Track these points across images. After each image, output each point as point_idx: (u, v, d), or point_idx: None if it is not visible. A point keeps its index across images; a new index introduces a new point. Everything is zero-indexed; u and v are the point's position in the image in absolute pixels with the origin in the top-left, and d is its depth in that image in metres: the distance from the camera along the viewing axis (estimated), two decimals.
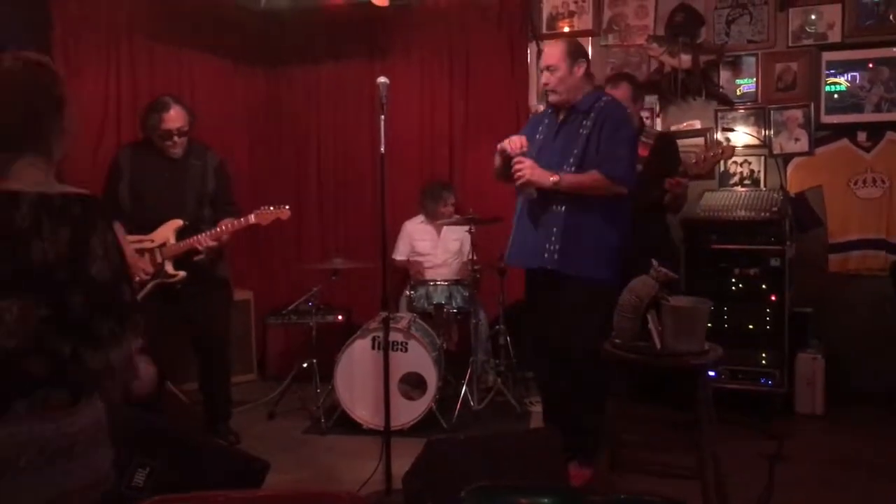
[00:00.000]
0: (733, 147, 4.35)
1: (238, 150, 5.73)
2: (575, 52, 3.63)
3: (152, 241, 4.04)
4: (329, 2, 5.15)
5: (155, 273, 4.03)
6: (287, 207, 4.26)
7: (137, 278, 3.92)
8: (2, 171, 1.64)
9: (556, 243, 3.49)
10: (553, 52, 3.65)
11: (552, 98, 3.65)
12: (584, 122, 3.56)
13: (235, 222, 4.10)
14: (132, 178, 4.07)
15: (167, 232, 4.04)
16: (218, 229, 4.07)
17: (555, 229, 3.50)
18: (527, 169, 3.46)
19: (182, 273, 4.05)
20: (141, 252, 4.03)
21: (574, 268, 3.46)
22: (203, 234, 4.04)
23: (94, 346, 1.65)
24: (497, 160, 3.71)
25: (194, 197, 4.14)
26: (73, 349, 1.62)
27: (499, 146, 3.63)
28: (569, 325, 3.47)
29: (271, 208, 4.20)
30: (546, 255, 3.50)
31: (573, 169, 3.51)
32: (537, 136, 3.71)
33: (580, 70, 3.62)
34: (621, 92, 4.38)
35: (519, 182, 3.50)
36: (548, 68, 3.61)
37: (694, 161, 4.15)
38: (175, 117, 4.02)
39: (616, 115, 3.61)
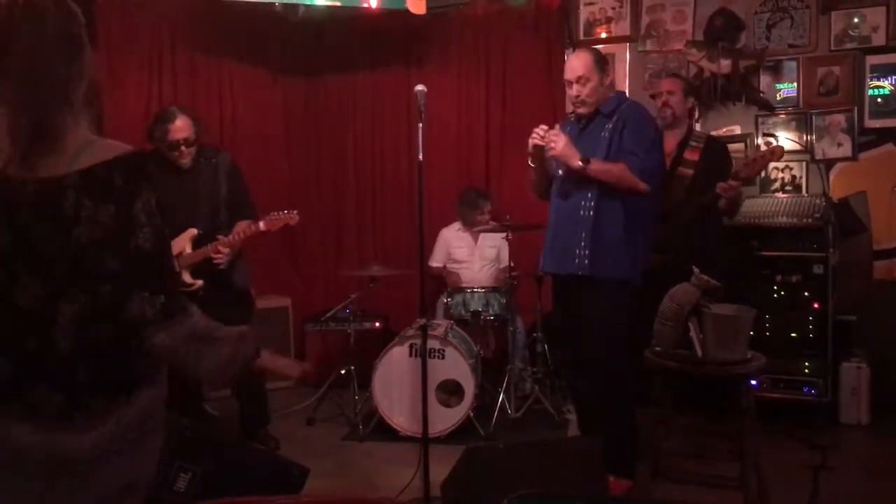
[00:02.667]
0: (782, 148, 4.28)
1: (277, 158, 5.80)
2: (602, 61, 3.61)
3: None
4: (366, 11, 5.19)
5: None
6: (295, 212, 4.15)
7: None
8: (43, 140, 1.49)
9: (586, 248, 3.46)
10: (582, 63, 3.57)
11: (582, 110, 3.59)
12: (607, 126, 3.54)
13: (247, 229, 4.04)
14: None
15: (182, 242, 4.00)
16: (232, 237, 4.01)
17: (584, 234, 3.48)
18: (560, 142, 3.44)
19: (199, 282, 4.00)
20: None
21: (603, 271, 3.43)
22: (217, 243, 3.99)
23: (150, 327, 1.54)
24: (530, 149, 3.65)
25: (207, 203, 4.08)
26: (120, 339, 1.53)
27: (530, 143, 3.61)
28: (598, 329, 3.44)
29: (280, 214, 4.11)
30: (577, 261, 3.48)
31: None
32: None
33: (608, 79, 3.61)
34: (671, 84, 4.36)
35: (550, 153, 3.50)
36: (578, 80, 3.54)
37: (743, 164, 4.11)
38: (181, 127, 3.95)
39: (638, 115, 3.58)
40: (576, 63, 3.61)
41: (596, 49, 3.91)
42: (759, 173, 4.41)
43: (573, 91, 3.57)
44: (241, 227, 4.06)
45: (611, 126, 3.52)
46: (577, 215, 3.50)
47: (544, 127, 3.51)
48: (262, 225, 4.06)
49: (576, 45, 5.44)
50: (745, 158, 4.29)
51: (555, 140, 3.45)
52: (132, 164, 1.56)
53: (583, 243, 3.47)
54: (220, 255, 3.98)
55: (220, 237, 4.01)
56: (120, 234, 1.51)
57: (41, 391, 1.49)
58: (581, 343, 3.54)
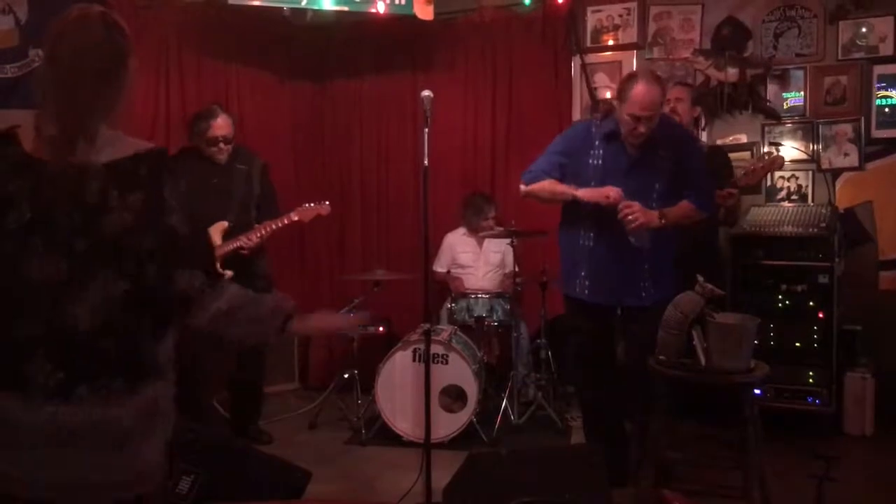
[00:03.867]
0: (783, 157, 4.28)
1: (283, 162, 5.80)
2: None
3: None
4: (374, 16, 5.20)
5: None
6: (327, 203, 4.38)
7: None
8: (77, 134, 1.60)
9: (649, 279, 3.45)
10: (655, 99, 3.35)
11: (638, 142, 3.42)
12: (659, 153, 3.44)
13: (278, 220, 4.23)
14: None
15: (213, 234, 4.16)
16: (265, 226, 4.20)
17: (646, 266, 3.46)
18: (638, 214, 3.28)
19: (229, 273, 4.13)
20: None
21: (662, 298, 3.36)
22: (247, 234, 4.18)
23: (201, 298, 1.67)
24: (556, 193, 3.56)
25: (240, 200, 4.28)
26: (149, 328, 1.62)
27: (583, 195, 3.43)
28: (649, 349, 3.37)
29: (312, 205, 4.33)
30: (644, 294, 3.47)
31: (655, 204, 3.41)
32: (591, 161, 3.54)
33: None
34: (679, 92, 4.37)
35: (632, 227, 3.31)
36: (648, 118, 3.33)
37: (744, 172, 4.10)
38: (222, 125, 4.20)
39: (689, 140, 3.61)
40: (649, 99, 3.33)
41: (660, 79, 3.58)
42: (760, 182, 4.40)
43: (641, 128, 3.35)
44: (274, 220, 4.24)
45: (663, 154, 3.43)
46: (635, 248, 3.40)
47: (631, 210, 3.30)
48: (294, 216, 4.26)
49: (582, 52, 5.45)
50: (746, 167, 4.28)
51: (632, 214, 3.29)
52: (155, 158, 1.67)
53: (646, 276, 3.46)
54: (248, 246, 4.15)
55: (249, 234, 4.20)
56: (153, 217, 1.61)
57: (42, 365, 1.53)
58: (632, 357, 3.54)
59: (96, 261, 1.56)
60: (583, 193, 3.44)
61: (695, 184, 3.46)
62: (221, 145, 4.21)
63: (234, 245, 4.15)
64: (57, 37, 1.63)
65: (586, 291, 3.58)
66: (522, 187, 3.72)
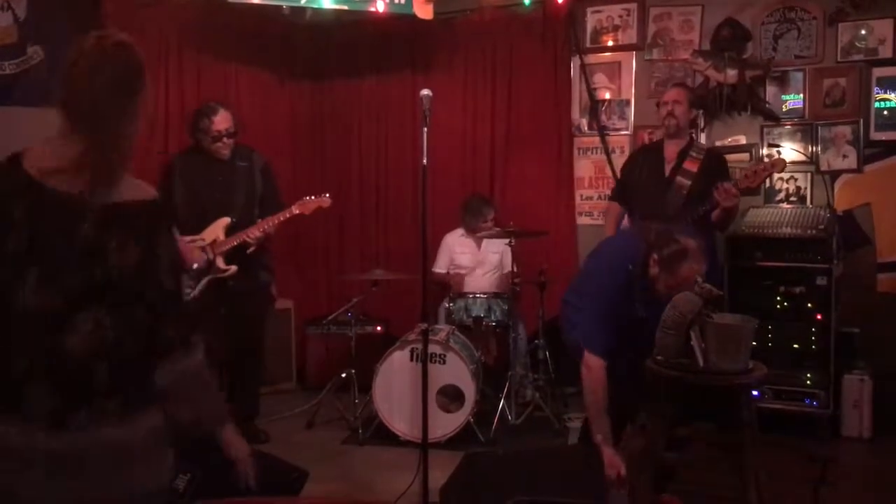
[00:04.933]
0: (784, 160, 4.28)
1: (282, 161, 5.79)
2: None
3: (203, 239, 4.19)
4: (373, 15, 5.20)
5: (207, 269, 4.15)
6: (328, 195, 4.43)
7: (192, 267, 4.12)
8: (81, 165, 1.59)
9: None
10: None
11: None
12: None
13: (280, 214, 4.26)
14: (184, 182, 4.26)
15: (217, 229, 4.22)
16: (268, 221, 4.24)
17: None
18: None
19: (233, 267, 4.21)
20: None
21: None
22: (249, 229, 4.22)
23: (163, 355, 1.67)
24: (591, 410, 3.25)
25: (243, 196, 4.32)
26: (140, 359, 1.64)
27: (606, 455, 3.10)
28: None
29: (312, 198, 4.38)
30: None
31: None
32: (637, 313, 3.21)
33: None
34: (677, 94, 4.38)
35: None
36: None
37: (744, 175, 4.10)
38: (223, 119, 4.25)
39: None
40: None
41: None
42: (760, 185, 4.40)
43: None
44: (276, 215, 4.27)
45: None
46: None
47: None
48: (295, 209, 4.30)
49: (582, 53, 5.45)
50: (747, 169, 4.28)
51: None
52: (158, 207, 1.70)
53: None
54: (252, 239, 4.20)
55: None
56: (148, 268, 1.63)
57: (38, 391, 1.54)
58: None
59: (89, 297, 1.57)
60: (607, 455, 3.10)
61: None
62: (225, 139, 4.25)
63: (238, 240, 4.19)
64: (76, 66, 1.63)
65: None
66: (594, 360, 3.25)
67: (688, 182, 4.26)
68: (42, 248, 1.55)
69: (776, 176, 4.86)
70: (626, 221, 4.61)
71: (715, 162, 4.37)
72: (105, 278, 1.58)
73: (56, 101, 1.64)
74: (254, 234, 4.21)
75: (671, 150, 4.38)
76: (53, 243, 1.56)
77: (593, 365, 3.21)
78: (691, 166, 4.29)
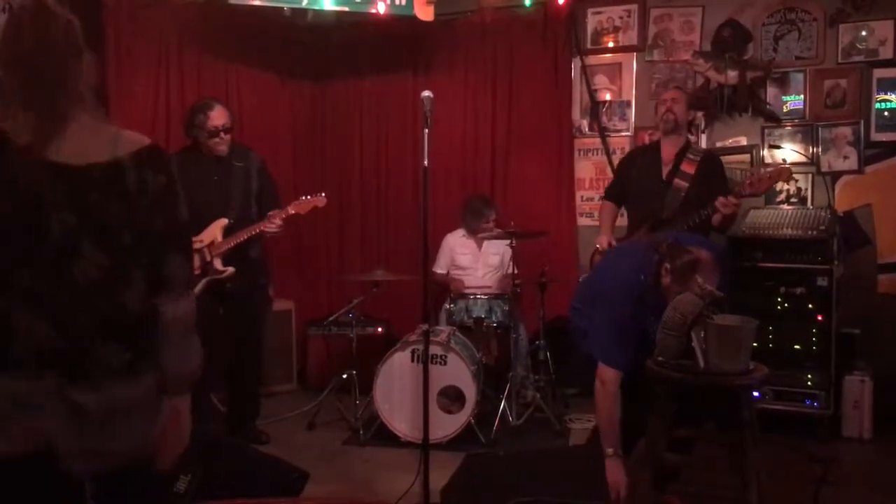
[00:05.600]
0: (790, 170, 4.24)
1: (283, 162, 5.80)
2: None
3: (201, 241, 4.16)
4: (374, 16, 5.19)
5: (204, 271, 4.14)
6: (323, 195, 4.40)
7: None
8: (65, 128, 1.63)
9: None
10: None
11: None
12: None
13: (277, 214, 4.24)
14: (181, 181, 4.17)
15: (214, 231, 4.20)
16: (267, 221, 4.22)
17: None
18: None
19: (231, 269, 4.19)
20: None
21: None
22: (263, 222, 4.23)
23: (175, 296, 1.72)
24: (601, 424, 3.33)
25: (240, 196, 4.30)
26: (153, 301, 1.69)
27: (609, 475, 3.16)
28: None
29: (308, 197, 4.35)
30: None
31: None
32: (648, 329, 3.21)
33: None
34: (675, 93, 4.40)
35: None
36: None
37: (748, 182, 4.10)
38: (220, 114, 4.22)
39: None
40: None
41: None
42: (765, 192, 4.40)
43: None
44: (273, 213, 4.25)
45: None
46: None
47: None
48: (291, 209, 4.27)
49: (582, 54, 5.45)
50: (751, 175, 4.28)
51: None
52: (162, 150, 1.80)
53: None
54: (273, 225, 4.20)
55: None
56: (168, 202, 1.72)
57: (109, 351, 1.63)
58: None
59: (135, 246, 1.66)
60: (611, 472, 3.16)
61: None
62: (222, 135, 4.21)
63: (236, 239, 4.18)
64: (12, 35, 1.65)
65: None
66: (609, 373, 3.29)
67: (685, 184, 4.26)
68: (90, 219, 1.61)
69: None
70: (623, 220, 4.63)
71: (712, 164, 4.37)
72: (144, 222, 1.67)
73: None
74: (249, 232, 4.18)
75: (669, 150, 4.38)
76: (100, 212, 1.61)
77: (607, 378, 3.23)
78: (689, 168, 4.29)
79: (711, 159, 4.41)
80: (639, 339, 3.21)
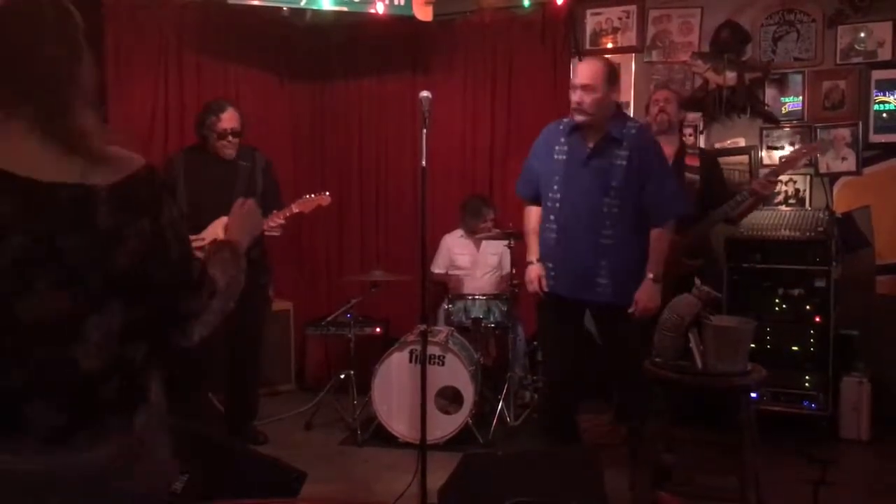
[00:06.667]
0: (822, 143, 4.34)
1: (282, 162, 5.78)
2: (612, 75, 3.55)
3: (203, 239, 4.15)
4: (373, 17, 5.20)
5: None
6: (327, 193, 4.40)
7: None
8: (58, 140, 1.39)
9: (608, 277, 3.47)
10: (591, 71, 3.51)
11: (580, 118, 3.53)
12: (618, 152, 3.50)
13: (281, 212, 4.23)
14: (186, 179, 4.24)
15: (216, 229, 4.16)
16: (271, 219, 4.20)
17: (604, 262, 3.47)
18: (650, 302, 3.41)
19: None
20: None
21: (629, 298, 3.44)
22: (268, 219, 4.18)
23: (184, 327, 1.60)
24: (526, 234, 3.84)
25: (244, 196, 4.20)
26: (147, 352, 1.50)
27: (529, 269, 3.74)
28: (634, 351, 3.44)
29: (312, 196, 4.34)
30: (599, 290, 3.49)
31: (612, 201, 3.48)
32: (556, 157, 3.65)
33: (615, 95, 3.57)
34: (666, 93, 4.40)
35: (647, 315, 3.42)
36: (583, 87, 3.47)
37: (785, 160, 4.19)
38: (231, 118, 4.24)
39: (652, 145, 3.61)
40: (585, 70, 3.54)
41: (610, 61, 3.85)
42: (799, 166, 4.48)
43: (576, 97, 3.51)
44: (276, 213, 4.24)
45: (624, 154, 3.48)
46: (597, 243, 3.48)
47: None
48: (294, 207, 4.27)
49: (582, 54, 5.45)
50: (787, 155, 4.41)
51: (647, 307, 3.41)
52: (153, 177, 1.52)
53: (604, 272, 3.48)
54: (277, 223, 4.19)
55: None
56: (160, 247, 1.49)
57: (40, 409, 1.38)
58: (618, 362, 3.62)
59: (104, 294, 1.41)
60: (530, 268, 3.74)
61: (661, 195, 3.49)
62: (230, 138, 4.23)
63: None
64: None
65: (552, 283, 3.66)
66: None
67: (696, 177, 4.29)
68: (49, 250, 1.37)
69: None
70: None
71: (710, 159, 4.44)
72: (126, 268, 1.43)
73: None
74: (275, 222, 4.18)
75: (668, 150, 4.36)
76: (62, 244, 1.37)
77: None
78: (693, 161, 4.34)
79: (708, 155, 4.47)
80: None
